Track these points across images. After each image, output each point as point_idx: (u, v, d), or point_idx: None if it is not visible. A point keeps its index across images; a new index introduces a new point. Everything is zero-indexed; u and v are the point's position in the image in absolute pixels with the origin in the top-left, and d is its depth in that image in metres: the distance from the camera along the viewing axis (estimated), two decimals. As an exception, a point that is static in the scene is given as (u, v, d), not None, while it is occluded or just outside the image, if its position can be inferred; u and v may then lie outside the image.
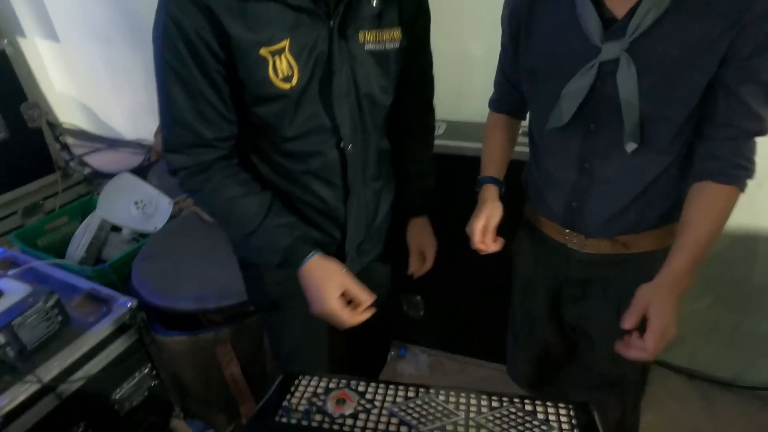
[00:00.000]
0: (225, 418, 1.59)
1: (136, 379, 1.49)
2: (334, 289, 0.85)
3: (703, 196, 0.77)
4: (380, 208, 1.05)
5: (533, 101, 0.93)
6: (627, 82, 0.73)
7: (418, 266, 1.14)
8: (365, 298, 0.87)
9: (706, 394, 1.90)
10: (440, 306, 1.96)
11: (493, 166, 1.01)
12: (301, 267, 0.87)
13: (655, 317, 0.69)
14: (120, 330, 1.39)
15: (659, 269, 0.79)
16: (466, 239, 0.93)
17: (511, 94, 1.00)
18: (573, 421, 0.63)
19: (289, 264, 0.88)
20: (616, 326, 0.75)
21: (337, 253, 1.01)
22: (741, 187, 0.76)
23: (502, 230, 0.94)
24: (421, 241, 1.11)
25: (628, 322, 0.71)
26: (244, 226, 0.87)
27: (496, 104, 1.06)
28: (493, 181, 0.98)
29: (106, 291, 1.46)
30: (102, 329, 1.33)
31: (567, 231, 0.95)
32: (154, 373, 1.52)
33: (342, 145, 0.87)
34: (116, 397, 1.44)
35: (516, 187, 1.05)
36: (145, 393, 1.52)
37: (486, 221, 0.91)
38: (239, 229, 0.89)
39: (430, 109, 1.11)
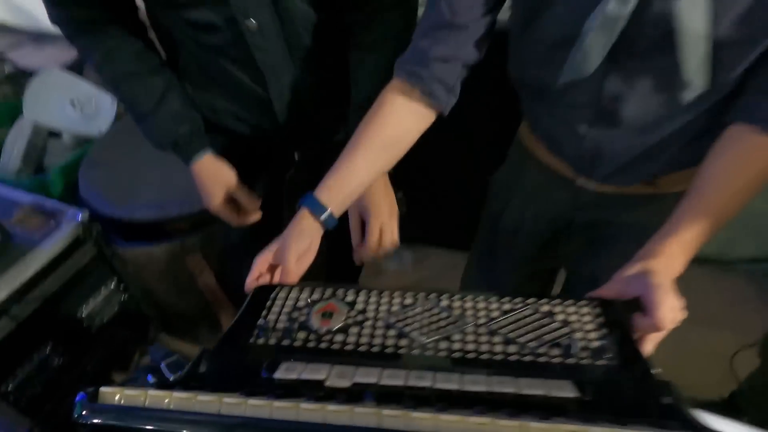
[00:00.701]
0: (207, 331, 1.53)
1: (102, 295, 1.39)
2: (219, 190, 0.91)
3: (741, 147, 0.57)
4: (322, 101, 0.92)
5: (524, 49, 0.69)
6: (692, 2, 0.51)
7: (357, 238, 0.89)
8: (249, 204, 0.94)
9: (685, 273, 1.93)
10: (423, 200, 1.86)
11: (337, 181, 0.70)
12: (191, 163, 0.91)
13: (663, 318, 0.52)
14: (74, 245, 1.26)
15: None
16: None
17: (451, 48, 0.66)
18: (598, 320, 0.54)
19: (180, 155, 0.92)
20: None
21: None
22: None
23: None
24: (363, 203, 0.85)
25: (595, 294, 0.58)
26: (139, 105, 0.87)
27: (407, 69, 0.69)
28: (316, 207, 0.69)
29: (51, 203, 1.30)
30: (52, 246, 1.20)
31: (576, 173, 0.78)
32: (122, 287, 1.42)
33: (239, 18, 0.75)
34: (83, 315, 1.35)
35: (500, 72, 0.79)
36: (116, 308, 1.44)
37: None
38: (133, 109, 0.89)
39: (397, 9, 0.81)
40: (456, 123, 1.41)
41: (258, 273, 0.67)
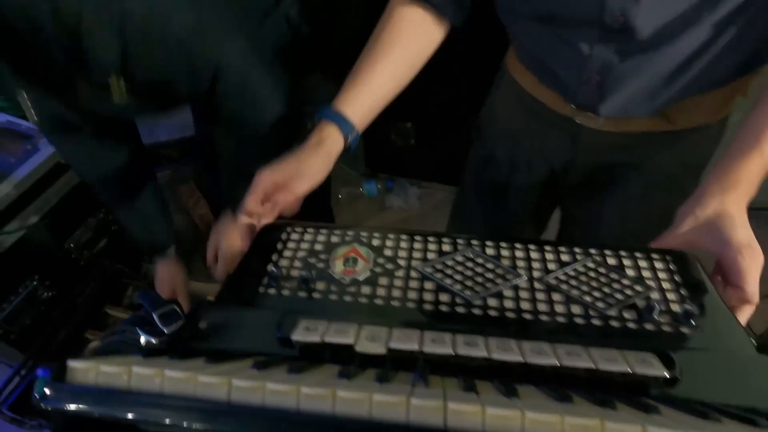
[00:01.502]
0: (204, 266, 1.45)
1: (91, 225, 1.29)
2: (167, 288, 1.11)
3: None
4: None
5: None
6: None
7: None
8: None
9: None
10: (430, 135, 1.74)
11: (359, 94, 0.61)
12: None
13: (754, 292, 0.44)
14: (55, 171, 1.15)
15: (711, 154, 0.57)
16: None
17: None
18: (675, 277, 0.45)
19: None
20: (634, 234, 0.54)
21: None
22: None
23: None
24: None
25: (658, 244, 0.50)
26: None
27: None
28: (342, 122, 0.59)
29: (27, 125, 1.17)
30: (30, 171, 1.09)
31: (576, 109, 0.65)
32: (110, 217, 1.32)
33: None
34: (71, 245, 1.26)
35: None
36: (105, 240, 1.35)
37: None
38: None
39: None
40: (465, 55, 1.26)
41: (262, 194, 0.55)
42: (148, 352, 0.34)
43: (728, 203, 0.47)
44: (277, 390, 0.26)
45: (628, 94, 0.59)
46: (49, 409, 0.26)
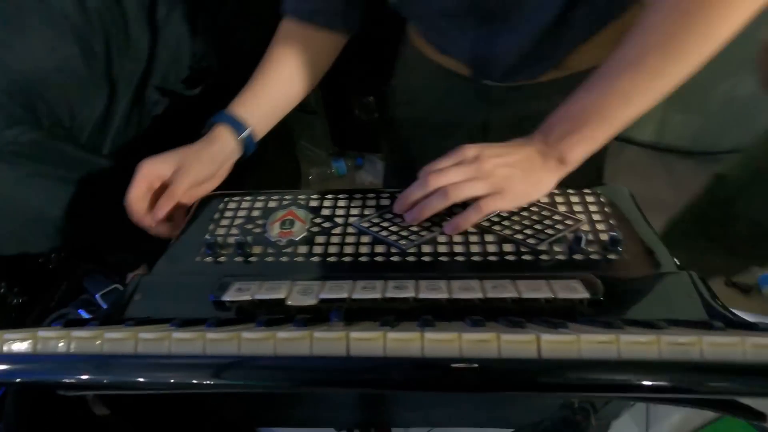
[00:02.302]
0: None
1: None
2: None
3: None
4: None
5: None
6: None
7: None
8: None
9: (669, 165, 1.89)
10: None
11: (254, 98, 0.59)
12: None
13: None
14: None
15: None
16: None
17: None
18: (605, 209, 0.46)
19: None
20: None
21: None
22: None
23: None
24: None
25: None
26: None
27: (293, 7, 0.61)
28: (234, 123, 0.56)
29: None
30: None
31: (478, 75, 0.65)
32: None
33: None
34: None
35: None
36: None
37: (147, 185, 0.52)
38: None
39: None
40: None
41: (146, 187, 0.52)
42: (88, 322, 0.34)
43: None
44: (181, 338, 0.26)
45: (517, 63, 0.60)
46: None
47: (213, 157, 0.55)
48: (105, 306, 0.52)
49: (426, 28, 0.66)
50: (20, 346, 0.27)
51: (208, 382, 0.26)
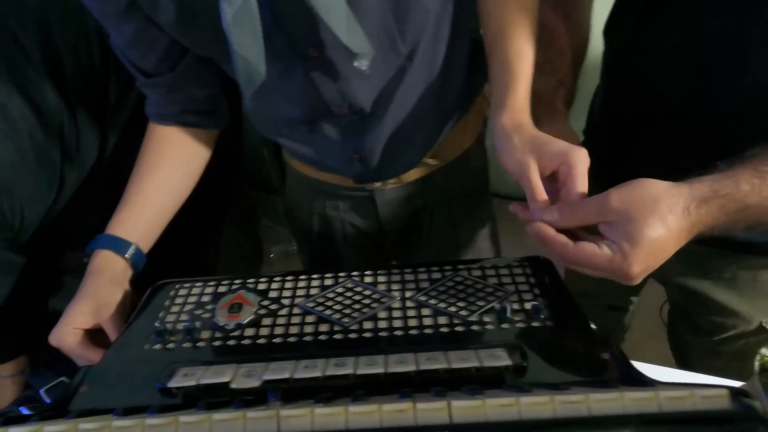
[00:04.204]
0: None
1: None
2: None
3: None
4: None
5: None
6: None
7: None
8: None
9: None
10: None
11: (132, 213, 0.59)
12: None
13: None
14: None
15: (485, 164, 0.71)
16: None
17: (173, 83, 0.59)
18: (530, 279, 0.51)
19: None
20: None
21: None
22: None
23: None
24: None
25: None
26: None
27: (158, 112, 0.62)
28: (117, 244, 0.57)
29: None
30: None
31: (359, 182, 0.71)
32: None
33: None
34: None
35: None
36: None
37: None
38: None
39: None
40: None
41: (77, 342, 0.51)
42: (21, 420, 0.34)
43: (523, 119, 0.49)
44: (121, 425, 0.28)
45: (391, 158, 0.65)
46: None
47: (113, 283, 0.55)
48: (48, 401, 0.52)
49: (295, 143, 0.68)
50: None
51: (146, 468, 0.27)
